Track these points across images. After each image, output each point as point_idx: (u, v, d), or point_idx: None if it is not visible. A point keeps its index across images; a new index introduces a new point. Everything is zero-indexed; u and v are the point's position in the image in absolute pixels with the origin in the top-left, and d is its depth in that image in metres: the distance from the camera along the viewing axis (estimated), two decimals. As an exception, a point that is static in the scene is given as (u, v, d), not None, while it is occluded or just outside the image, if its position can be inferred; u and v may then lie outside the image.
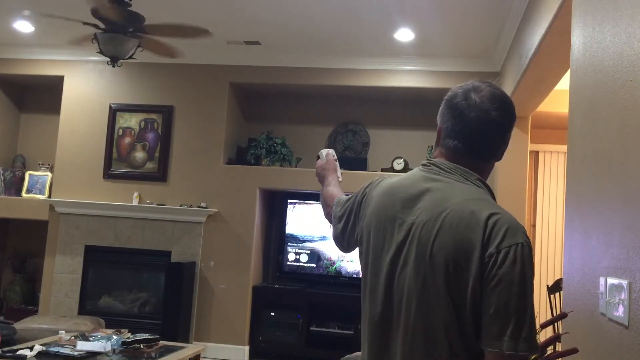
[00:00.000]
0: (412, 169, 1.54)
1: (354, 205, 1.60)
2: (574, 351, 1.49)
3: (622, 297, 1.58)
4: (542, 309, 5.32)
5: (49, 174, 6.44)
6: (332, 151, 2.04)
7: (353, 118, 6.39)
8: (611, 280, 1.67)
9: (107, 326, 5.05)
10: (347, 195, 1.74)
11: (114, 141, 6.15)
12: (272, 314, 5.85)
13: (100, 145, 6.15)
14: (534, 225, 6.17)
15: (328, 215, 1.80)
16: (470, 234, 1.29)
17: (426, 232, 1.34)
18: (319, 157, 2.04)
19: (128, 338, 4.12)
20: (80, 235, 6.05)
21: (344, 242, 1.66)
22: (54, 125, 6.41)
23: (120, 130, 6.15)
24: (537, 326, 1.36)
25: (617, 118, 1.73)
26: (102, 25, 4.25)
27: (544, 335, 3.86)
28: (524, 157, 5.24)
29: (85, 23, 4.17)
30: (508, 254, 1.25)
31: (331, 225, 1.75)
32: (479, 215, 1.30)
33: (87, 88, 6.24)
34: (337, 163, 2.01)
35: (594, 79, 2.00)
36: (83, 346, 3.86)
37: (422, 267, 1.33)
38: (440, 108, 1.48)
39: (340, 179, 1.96)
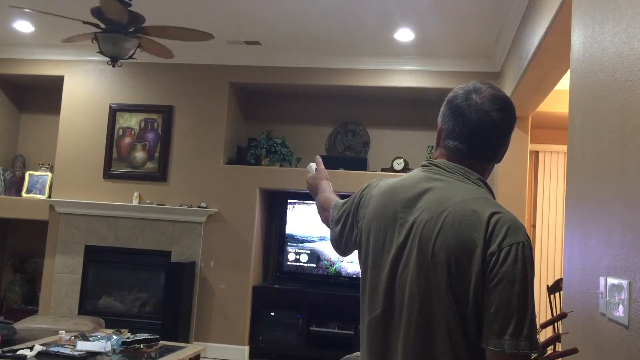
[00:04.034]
0: (412, 169, 1.54)
1: (352, 207, 1.60)
2: (574, 351, 1.49)
3: (622, 297, 1.58)
4: (542, 309, 5.32)
5: (49, 174, 6.44)
6: (319, 159, 2.06)
7: (353, 118, 6.39)
8: (611, 280, 1.67)
9: (107, 326, 5.05)
10: (344, 198, 1.74)
11: (114, 141, 6.15)
12: (272, 314, 5.85)
13: (100, 145, 6.15)
14: (534, 225, 6.17)
15: (326, 220, 1.79)
16: (472, 233, 1.29)
17: (428, 230, 1.34)
18: (309, 171, 2.06)
19: (128, 338, 4.12)
20: (80, 235, 6.05)
21: (342, 244, 1.66)
22: (54, 125, 6.41)
23: (120, 130, 6.15)
24: (537, 326, 1.37)
25: (617, 118, 1.73)
26: (102, 25, 4.25)
27: (544, 335, 3.86)
28: (524, 157, 5.24)
29: (85, 22, 4.16)
30: (509, 253, 1.26)
31: (329, 229, 1.75)
32: (481, 214, 1.31)
33: (87, 88, 6.24)
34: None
35: (594, 78, 2.00)
36: (83, 346, 3.86)
37: (424, 266, 1.33)
38: (441, 109, 1.49)
39: (331, 188, 1.96)
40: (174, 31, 4.33)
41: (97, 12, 4.08)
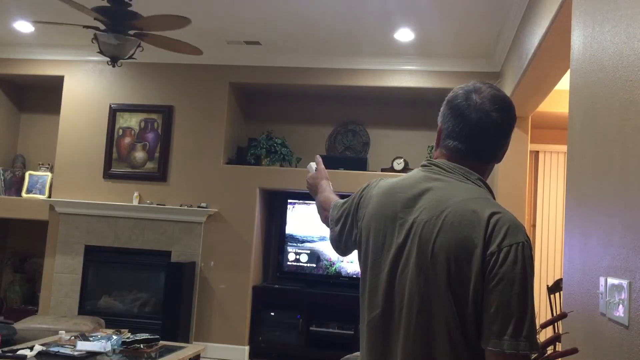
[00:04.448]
0: (412, 169, 1.54)
1: (352, 207, 1.60)
2: (574, 351, 1.49)
3: (622, 297, 1.58)
4: (542, 309, 5.32)
5: (49, 174, 6.44)
6: (319, 158, 2.06)
7: (353, 118, 6.39)
8: (611, 280, 1.67)
9: (107, 326, 5.05)
10: (343, 198, 1.74)
11: (114, 141, 6.15)
12: (272, 314, 5.85)
13: (100, 145, 6.15)
14: (534, 225, 6.17)
15: (326, 220, 1.79)
16: (471, 233, 1.29)
17: (427, 230, 1.34)
18: (309, 171, 2.06)
19: (128, 338, 4.12)
20: (80, 235, 6.05)
21: (342, 244, 1.65)
22: (54, 125, 6.41)
23: (120, 130, 6.15)
24: (537, 326, 1.37)
25: (617, 118, 1.73)
26: (102, 26, 4.25)
27: (544, 335, 3.87)
28: (524, 157, 5.24)
29: (85, 26, 4.17)
30: (509, 253, 1.26)
31: (329, 229, 1.75)
32: (481, 214, 1.30)
33: (87, 88, 6.24)
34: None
35: (594, 78, 2.00)
36: (83, 346, 3.86)
37: (424, 266, 1.33)
38: (441, 109, 1.49)
39: (331, 187, 1.96)
40: (167, 41, 4.33)
41: (97, 10, 4.08)
